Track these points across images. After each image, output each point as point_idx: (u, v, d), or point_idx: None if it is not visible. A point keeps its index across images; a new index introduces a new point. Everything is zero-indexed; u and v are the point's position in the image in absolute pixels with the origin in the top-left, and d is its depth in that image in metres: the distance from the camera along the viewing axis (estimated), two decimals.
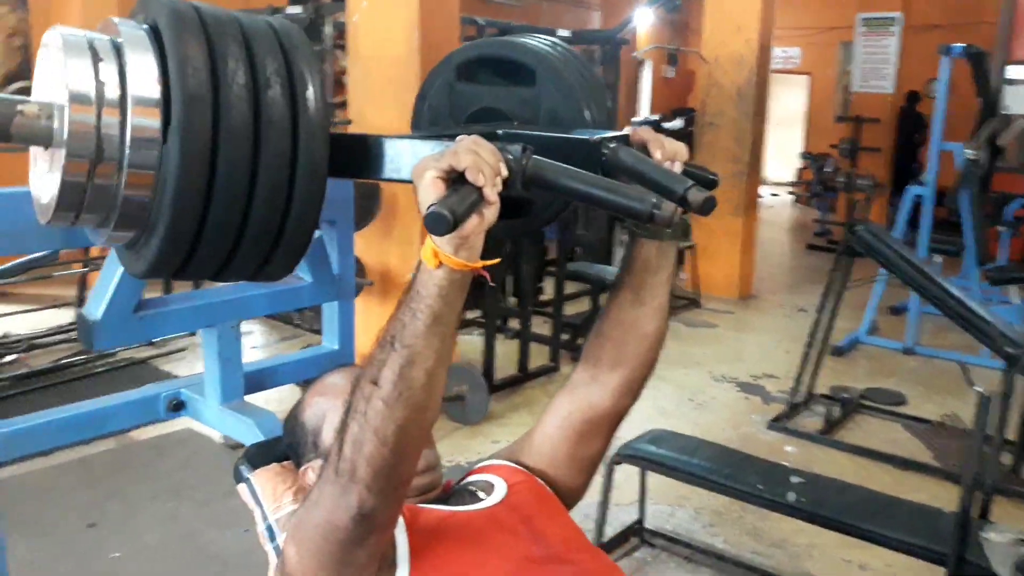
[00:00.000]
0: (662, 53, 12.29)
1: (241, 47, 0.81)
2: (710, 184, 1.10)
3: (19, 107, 0.78)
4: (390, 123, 3.90)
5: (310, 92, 0.84)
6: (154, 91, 0.77)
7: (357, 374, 1.28)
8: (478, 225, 0.87)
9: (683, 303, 6.45)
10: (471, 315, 5.49)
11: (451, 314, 0.90)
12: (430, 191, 0.85)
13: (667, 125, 13.17)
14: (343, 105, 4.95)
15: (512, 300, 5.51)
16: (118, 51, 0.80)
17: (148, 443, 3.70)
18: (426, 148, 0.94)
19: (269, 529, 1.26)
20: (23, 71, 6.90)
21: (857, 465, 3.77)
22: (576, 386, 1.27)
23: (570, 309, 5.75)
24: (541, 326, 5.17)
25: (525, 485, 1.23)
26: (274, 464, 1.33)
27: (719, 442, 3.88)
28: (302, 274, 1.60)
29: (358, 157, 0.97)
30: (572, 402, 1.26)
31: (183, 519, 3.05)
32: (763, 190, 13.02)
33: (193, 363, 4.95)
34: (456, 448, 3.82)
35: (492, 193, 0.86)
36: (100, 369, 4.71)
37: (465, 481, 1.28)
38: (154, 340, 5.13)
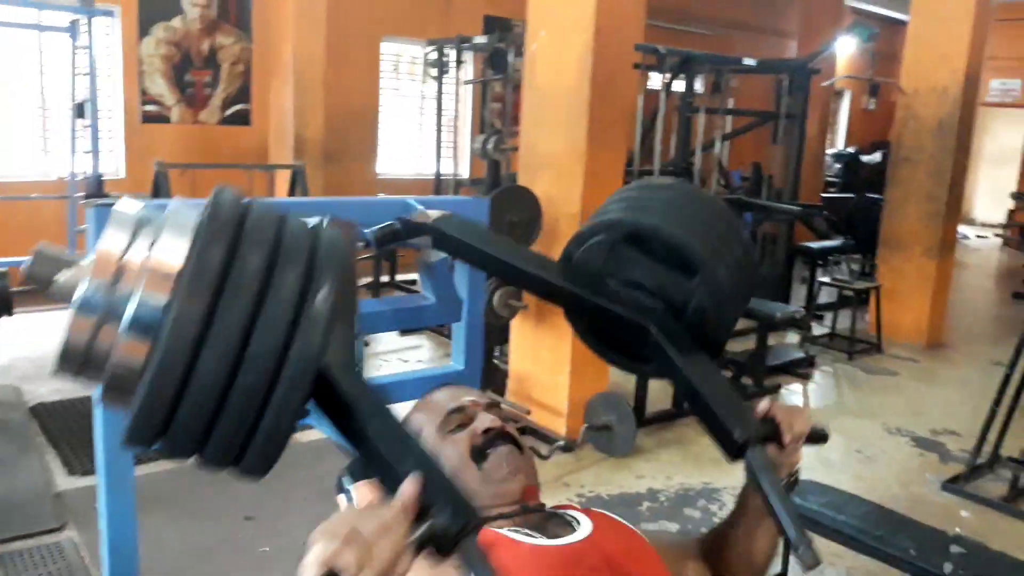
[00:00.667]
0: (862, 84, 11.68)
1: (261, 271, 0.78)
2: (821, 439, 1.19)
3: (57, 275, 0.84)
4: (558, 153, 3.95)
5: (307, 334, 0.78)
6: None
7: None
8: None
9: (863, 347, 6.06)
10: None
11: None
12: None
13: (864, 158, 12.52)
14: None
15: None
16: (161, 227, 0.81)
17: (309, 445, 3.92)
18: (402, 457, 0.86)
19: None
20: (243, 94, 7.61)
21: None
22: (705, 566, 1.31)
23: (735, 346, 5.55)
24: None
25: (610, 523, 1.21)
26: (377, 478, 1.37)
27: (885, 500, 3.62)
28: (427, 293, 1.65)
29: (340, 419, 0.90)
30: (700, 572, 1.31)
31: None
32: (968, 231, 12.04)
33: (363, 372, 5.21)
34: (599, 480, 3.78)
35: None
36: None
37: (559, 511, 1.26)
38: None
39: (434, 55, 6.63)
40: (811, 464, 4.03)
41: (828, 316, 6.56)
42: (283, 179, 6.60)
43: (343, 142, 7.61)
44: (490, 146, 4.76)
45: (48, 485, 3.45)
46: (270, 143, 7.55)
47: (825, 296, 6.76)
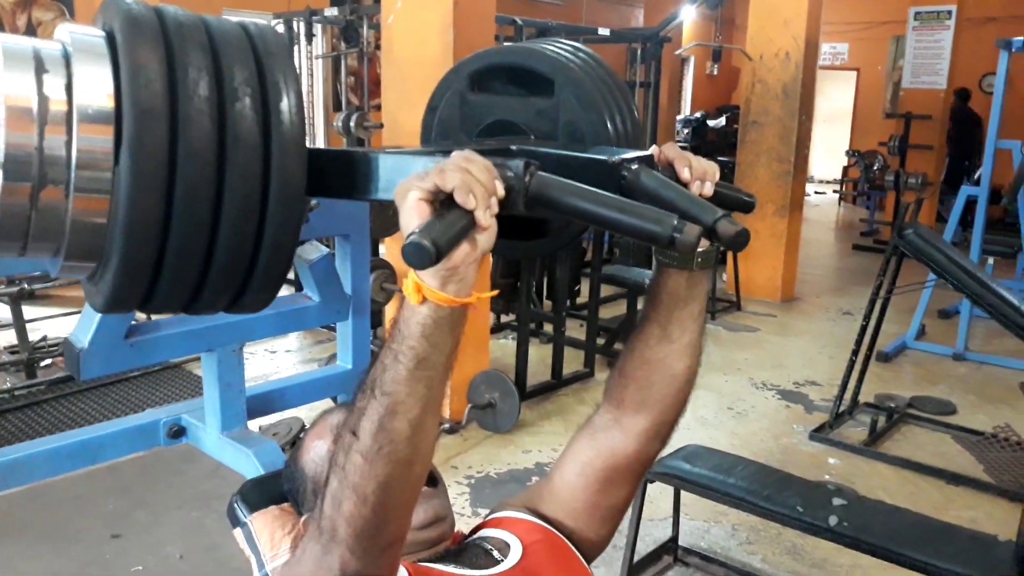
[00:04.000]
0: (706, 51, 12.09)
1: (206, 54, 0.72)
2: (746, 207, 1.00)
3: None
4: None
5: (284, 104, 0.74)
6: (105, 105, 0.68)
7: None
8: (469, 254, 0.76)
9: (723, 306, 6.31)
10: (504, 319, 5.43)
11: (439, 356, 0.79)
12: (413, 215, 0.74)
13: (710, 123, 13.00)
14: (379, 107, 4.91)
15: (546, 303, 5.43)
16: (68, 61, 0.71)
17: (178, 450, 3.69)
18: (417, 164, 0.84)
19: None
20: None
21: (903, 479, 3.61)
22: (597, 429, 1.14)
23: (606, 313, 5.64)
24: (576, 330, 5.07)
25: (542, 544, 1.14)
26: (273, 507, 1.25)
27: (760, 453, 3.79)
28: (310, 292, 1.53)
29: (342, 175, 0.87)
30: (593, 447, 1.14)
31: (207, 529, 3.02)
32: (808, 188, 12.77)
33: None
34: (486, 458, 3.75)
35: (485, 217, 0.75)
36: (135, 373, 4.71)
37: (478, 536, 1.18)
38: None
39: (282, 29, 6.31)
40: (688, 423, 4.16)
41: None
42: None
43: None
44: (352, 123, 4.58)
45: None
46: None
47: None
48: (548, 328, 5.12)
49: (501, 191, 0.78)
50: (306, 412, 3.96)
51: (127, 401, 4.26)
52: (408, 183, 0.76)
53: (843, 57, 13.48)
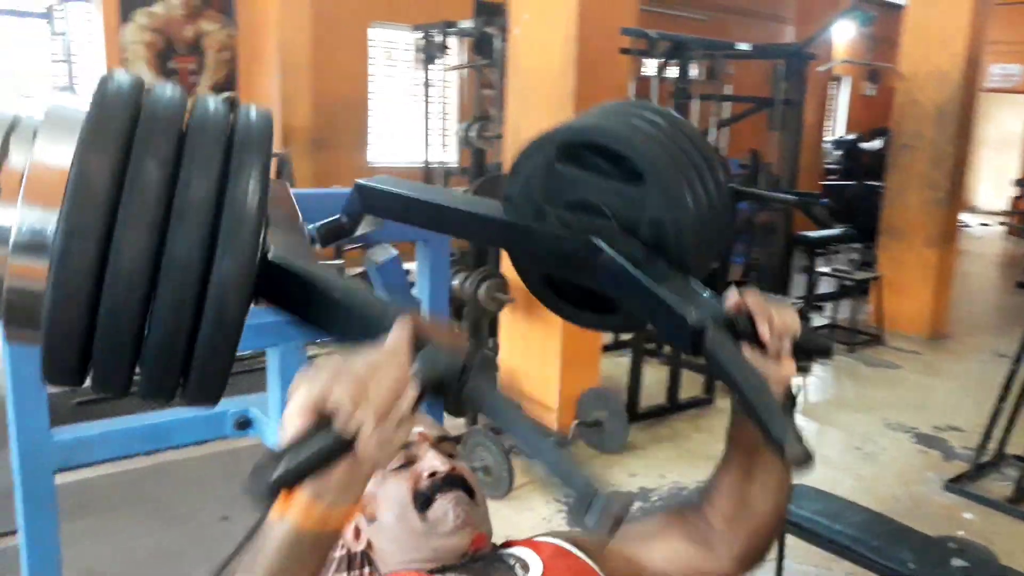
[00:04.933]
0: (862, 70, 11.49)
1: (163, 168, 0.66)
2: (824, 353, 0.97)
3: None
4: None
5: (237, 231, 0.67)
6: (50, 201, 0.65)
7: None
8: (350, 473, 0.65)
9: (864, 339, 5.92)
10: (624, 336, 5.30)
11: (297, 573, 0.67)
12: (288, 424, 0.64)
13: (864, 145, 12.34)
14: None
15: None
16: (34, 135, 0.68)
17: (237, 452, 3.80)
18: (372, 310, 0.75)
19: None
20: (230, 81, 7.46)
21: None
22: (681, 536, 1.11)
23: None
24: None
25: (563, 562, 1.07)
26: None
27: (885, 500, 3.50)
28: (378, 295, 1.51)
29: (298, 300, 0.79)
30: (676, 550, 1.10)
31: None
32: (970, 219, 11.89)
33: None
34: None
35: (368, 447, 0.63)
36: (260, 366, 4.88)
37: (507, 551, 1.12)
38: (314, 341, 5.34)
39: (423, 41, 6.47)
40: None
41: (828, 307, 6.43)
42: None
43: (332, 130, 7.46)
44: (473, 133, 4.60)
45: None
46: None
47: (825, 286, 6.61)
48: (666, 349, 4.96)
49: (406, 411, 0.66)
50: None
51: (232, 388, 4.43)
52: (298, 381, 0.66)
53: (1016, 79, 12.50)
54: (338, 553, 1.17)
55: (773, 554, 2.78)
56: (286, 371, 1.39)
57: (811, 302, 6.27)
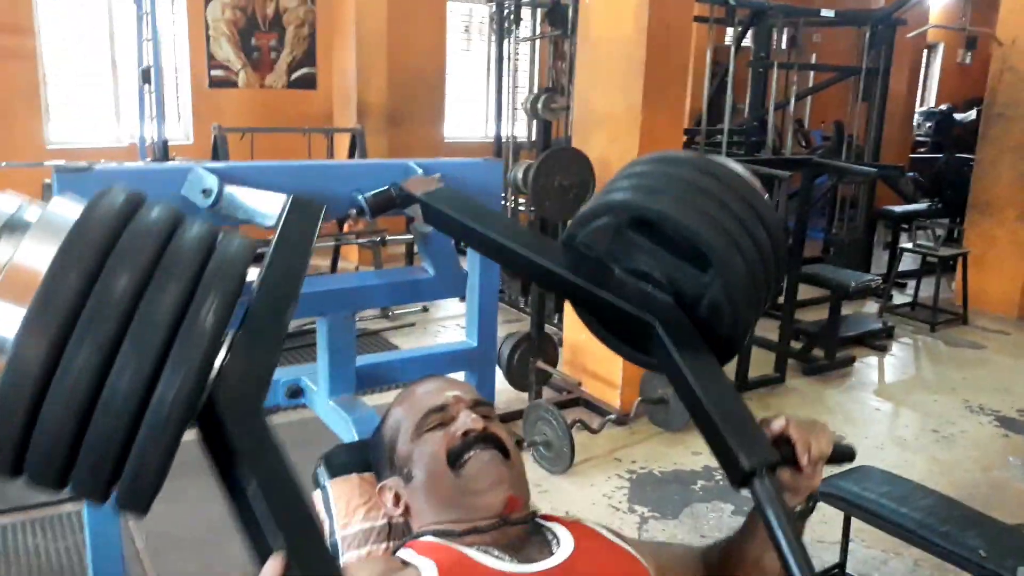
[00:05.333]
0: (957, 37, 10.92)
1: (113, 322, 0.67)
2: (849, 457, 1.08)
3: None
4: (613, 112, 3.76)
5: (168, 389, 0.67)
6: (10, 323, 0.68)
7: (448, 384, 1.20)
8: None
9: (946, 318, 5.69)
10: None
11: None
12: None
13: (958, 116, 11.76)
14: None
15: None
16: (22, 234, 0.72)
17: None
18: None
19: (334, 545, 1.18)
20: (309, 57, 7.58)
21: None
22: None
23: (807, 315, 5.28)
24: (769, 331, 4.77)
25: (594, 543, 1.07)
26: (355, 474, 1.25)
27: (962, 484, 3.38)
28: (425, 266, 1.53)
29: (222, 462, 0.77)
30: None
31: None
32: None
33: (421, 337, 5.14)
34: (652, 455, 3.63)
35: None
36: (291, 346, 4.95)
37: (548, 524, 1.12)
38: (388, 313, 5.44)
39: (497, 13, 6.44)
40: (882, 443, 3.81)
41: (912, 285, 6.19)
42: (343, 143, 6.55)
43: (408, 105, 7.50)
44: (539, 105, 4.57)
45: None
46: (335, 107, 7.50)
47: (909, 263, 6.37)
48: None
49: None
50: None
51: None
52: None
53: None
54: (379, 523, 1.19)
55: (837, 536, 2.72)
56: (334, 341, 1.41)
57: (893, 279, 6.05)
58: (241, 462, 0.74)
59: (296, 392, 1.45)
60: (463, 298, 1.65)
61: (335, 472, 1.26)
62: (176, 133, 6.89)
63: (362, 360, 1.46)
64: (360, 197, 1.37)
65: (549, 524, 1.11)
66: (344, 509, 1.21)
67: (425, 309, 5.58)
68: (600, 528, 1.13)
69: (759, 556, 1.10)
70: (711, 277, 1.02)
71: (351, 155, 6.22)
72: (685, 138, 5.04)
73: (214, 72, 7.15)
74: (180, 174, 1.23)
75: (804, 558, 0.85)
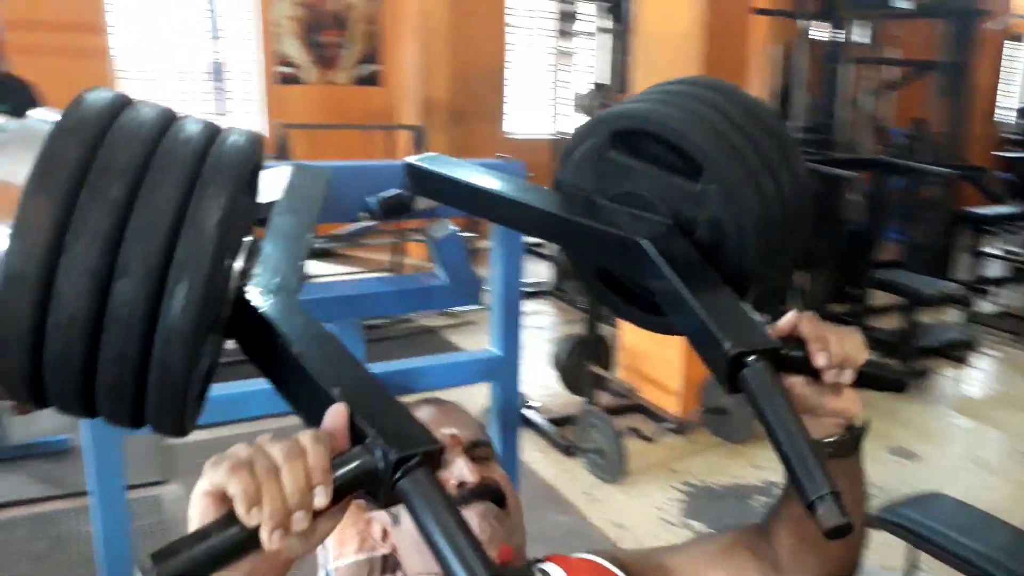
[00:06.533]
0: None
1: (111, 215, 0.62)
2: (895, 388, 0.84)
3: None
4: None
5: (183, 286, 0.61)
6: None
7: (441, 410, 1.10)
8: (256, 566, 0.59)
9: None
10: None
11: None
12: (193, 509, 0.58)
13: None
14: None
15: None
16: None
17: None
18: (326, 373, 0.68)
19: None
20: (373, 54, 7.60)
21: None
22: (756, 553, 1.00)
23: (883, 322, 5.02)
24: None
25: None
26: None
27: None
28: (437, 272, 1.43)
29: (262, 353, 0.73)
30: (750, 568, 0.99)
31: None
32: None
33: (479, 336, 5.07)
34: (711, 467, 3.47)
35: (273, 540, 0.56)
36: (395, 335, 4.98)
37: (539, 566, 1.03)
38: (446, 310, 5.40)
39: (558, 9, 6.34)
40: (961, 463, 3.56)
41: (997, 292, 5.85)
42: (406, 141, 6.53)
43: (470, 101, 7.45)
44: (595, 102, 4.44)
45: (160, 438, 3.49)
46: (398, 104, 7.50)
47: (995, 269, 6.01)
48: None
49: (323, 502, 0.58)
50: (453, 395, 3.94)
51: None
52: (207, 465, 0.59)
53: None
54: (375, 554, 1.11)
55: (899, 562, 2.53)
56: None
57: (975, 286, 5.72)
58: (286, 342, 0.69)
59: None
60: (480, 304, 1.56)
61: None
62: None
63: (379, 367, 1.38)
64: (370, 199, 1.28)
65: (542, 566, 1.03)
66: (339, 537, 1.13)
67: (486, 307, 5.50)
68: (600, 559, 1.03)
69: (797, 524, 0.94)
70: (705, 186, 0.86)
71: (416, 151, 6.20)
72: None
73: (281, 69, 7.22)
74: None
75: (813, 457, 0.68)
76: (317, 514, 0.58)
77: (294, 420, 0.70)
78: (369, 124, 6.83)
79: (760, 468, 3.47)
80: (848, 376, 0.76)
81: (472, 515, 0.98)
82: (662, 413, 3.80)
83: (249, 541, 0.57)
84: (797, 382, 0.77)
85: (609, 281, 1.00)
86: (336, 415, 0.62)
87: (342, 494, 0.60)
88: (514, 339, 1.54)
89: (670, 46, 3.54)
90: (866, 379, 0.79)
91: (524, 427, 3.73)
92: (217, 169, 0.65)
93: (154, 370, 0.62)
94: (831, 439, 0.83)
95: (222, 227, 0.63)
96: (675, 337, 3.25)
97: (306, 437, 0.59)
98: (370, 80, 7.65)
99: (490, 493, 1.02)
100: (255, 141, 0.70)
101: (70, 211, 0.61)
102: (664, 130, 0.88)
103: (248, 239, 0.76)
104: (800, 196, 0.91)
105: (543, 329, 5.25)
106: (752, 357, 0.73)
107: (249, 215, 0.77)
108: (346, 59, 7.51)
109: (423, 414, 1.11)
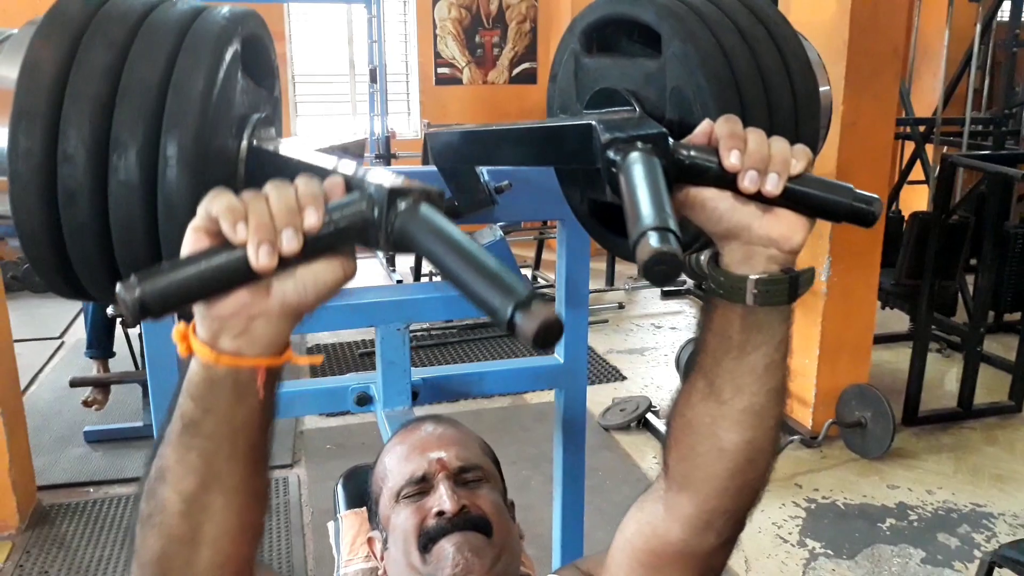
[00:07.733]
0: None
1: (112, 52, 0.68)
2: (861, 218, 0.62)
3: None
4: None
5: (173, 148, 0.66)
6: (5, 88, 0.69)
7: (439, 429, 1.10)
8: (248, 305, 0.56)
9: None
10: (902, 327, 4.64)
11: (216, 425, 0.60)
12: (184, 246, 0.56)
13: None
14: None
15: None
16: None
17: (536, 407, 3.85)
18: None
19: None
20: (531, 52, 7.69)
21: None
22: (647, 499, 0.82)
23: (997, 345, 4.51)
24: (1006, 348, 4.13)
25: None
26: (364, 509, 1.18)
27: None
28: None
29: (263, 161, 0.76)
30: (636, 520, 0.83)
31: (531, 490, 3.07)
32: None
33: (611, 335, 5.03)
34: (840, 483, 3.27)
35: (259, 256, 0.53)
36: (473, 337, 4.93)
37: None
38: None
39: None
40: None
41: None
42: None
43: None
44: None
45: (296, 423, 3.72)
46: None
47: None
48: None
49: (313, 221, 0.54)
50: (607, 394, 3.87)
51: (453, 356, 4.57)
52: (201, 203, 0.57)
53: None
54: (374, 564, 1.13)
55: None
56: (386, 353, 1.37)
57: None
58: (292, 165, 0.71)
59: (364, 399, 1.43)
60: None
61: (351, 495, 1.21)
62: (406, 129, 7.30)
63: (431, 372, 1.40)
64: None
65: None
66: (350, 544, 1.17)
67: (621, 306, 5.45)
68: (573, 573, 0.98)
69: (694, 404, 0.72)
70: (666, 55, 0.78)
71: None
72: (899, 129, 4.49)
73: (440, 70, 7.45)
74: None
75: (658, 193, 0.58)
76: (312, 255, 0.56)
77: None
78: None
79: (895, 488, 3.23)
80: (772, 183, 0.60)
81: (449, 547, 0.96)
82: (792, 424, 3.62)
83: (237, 264, 0.54)
84: (710, 196, 0.62)
85: (603, 218, 0.96)
86: (333, 178, 0.58)
87: (338, 238, 0.56)
88: (580, 345, 1.51)
89: (815, 36, 3.31)
90: (810, 201, 0.62)
91: (648, 434, 3.67)
92: (205, 27, 0.71)
93: (163, 228, 0.67)
94: (758, 276, 0.64)
95: (211, 68, 0.68)
96: (809, 347, 3.12)
97: (298, 179, 0.57)
98: (526, 78, 7.74)
99: (473, 523, 0.99)
100: (239, 15, 0.75)
101: (74, 55, 0.68)
102: (626, 9, 0.83)
103: (257, 115, 0.79)
104: (785, 71, 0.80)
105: (677, 330, 5.12)
106: (626, 144, 0.64)
107: (254, 94, 0.80)
108: (503, 58, 7.65)
109: (419, 433, 1.10)
